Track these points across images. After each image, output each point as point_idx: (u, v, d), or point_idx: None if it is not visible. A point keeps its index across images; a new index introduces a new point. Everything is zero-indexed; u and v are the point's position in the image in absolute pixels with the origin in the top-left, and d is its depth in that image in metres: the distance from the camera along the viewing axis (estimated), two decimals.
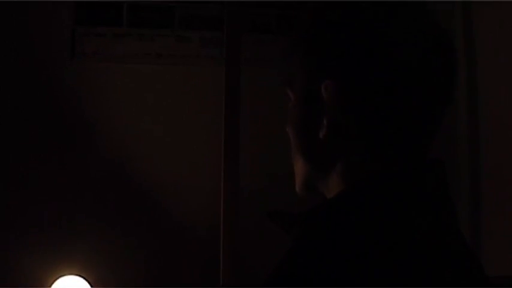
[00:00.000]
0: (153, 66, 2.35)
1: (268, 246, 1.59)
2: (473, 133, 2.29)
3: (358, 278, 0.70)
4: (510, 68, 2.09)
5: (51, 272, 2.06)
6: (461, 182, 2.29)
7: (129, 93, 2.33)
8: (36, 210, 2.20)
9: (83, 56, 2.30)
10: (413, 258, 0.73)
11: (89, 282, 2.04)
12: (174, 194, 2.33)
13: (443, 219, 0.80)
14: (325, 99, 0.80)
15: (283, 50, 0.89)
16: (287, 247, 0.77)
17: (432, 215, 0.78)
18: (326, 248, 0.73)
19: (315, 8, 0.86)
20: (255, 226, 1.83)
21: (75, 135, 2.28)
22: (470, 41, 2.26)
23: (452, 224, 0.81)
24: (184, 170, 2.34)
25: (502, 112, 2.14)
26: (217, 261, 2.02)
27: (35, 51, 2.26)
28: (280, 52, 2.35)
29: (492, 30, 2.20)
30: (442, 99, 0.82)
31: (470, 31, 2.28)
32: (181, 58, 2.37)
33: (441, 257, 0.76)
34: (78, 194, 2.25)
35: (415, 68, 0.79)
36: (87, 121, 2.28)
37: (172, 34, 2.37)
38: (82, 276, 2.04)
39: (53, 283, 2.01)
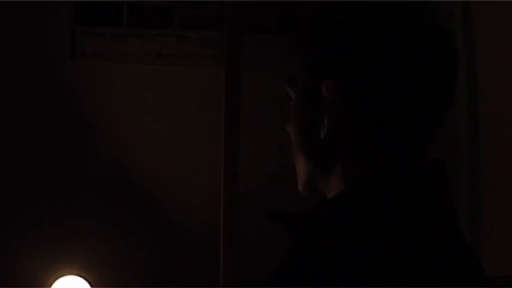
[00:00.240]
0: (153, 66, 2.35)
1: (268, 246, 1.59)
2: (473, 133, 2.29)
3: (358, 278, 0.70)
4: (510, 68, 2.09)
5: (51, 272, 2.06)
6: (461, 182, 2.29)
7: (129, 93, 2.33)
8: (36, 210, 2.20)
9: (83, 56, 2.30)
10: (413, 259, 0.73)
11: (89, 282, 2.04)
12: (174, 194, 2.33)
13: (444, 219, 0.80)
14: (326, 99, 0.79)
15: (284, 50, 0.90)
16: (287, 247, 0.77)
17: (432, 215, 0.78)
18: (326, 248, 0.73)
19: (315, 8, 0.86)
20: (255, 226, 1.83)
21: (75, 135, 2.28)
22: (470, 41, 2.26)
23: (452, 224, 0.81)
24: (184, 170, 2.34)
25: (502, 112, 2.14)
26: (217, 261, 2.02)
27: (35, 51, 2.26)
28: (280, 52, 2.36)
29: (492, 30, 2.20)
30: (443, 99, 0.82)
31: (470, 31, 2.28)
32: (181, 58, 2.37)
33: (441, 257, 0.76)
34: (78, 194, 2.25)
35: (416, 68, 0.78)
36: (87, 121, 2.28)
37: (172, 34, 2.37)
38: (82, 276, 2.04)
39: (53, 283, 2.01)
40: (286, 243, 0.80)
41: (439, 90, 0.81)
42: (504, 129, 2.13)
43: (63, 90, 2.27)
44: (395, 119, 0.79)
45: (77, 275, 2.04)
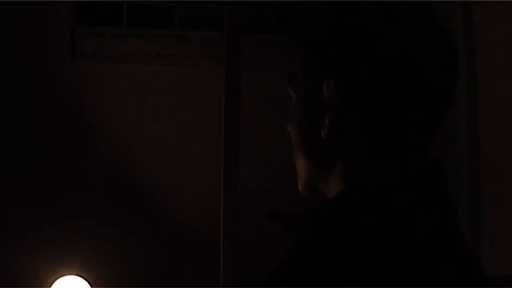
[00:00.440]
0: (153, 66, 2.35)
1: (268, 246, 1.59)
2: (473, 133, 2.29)
3: (358, 278, 0.70)
4: (510, 68, 2.09)
5: (51, 272, 2.06)
6: (461, 182, 2.29)
7: (129, 93, 2.33)
8: (36, 210, 2.20)
9: (83, 56, 2.30)
10: (413, 258, 0.73)
11: (89, 282, 2.04)
12: (174, 194, 2.33)
13: (444, 219, 0.80)
14: (327, 99, 0.79)
15: (284, 50, 0.90)
16: (287, 247, 0.77)
17: (432, 215, 0.78)
18: (326, 248, 0.73)
19: (315, 7, 0.86)
20: (255, 226, 1.83)
21: (75, 135, 2.28)
22: (470, 41, 2.26)
23: (452, 224, 0.81)
24: (184, 170, 2.34)
25: (502, 112, 2.14)
26: (217, 261, 2.02)
27: (35, 51, 2.26)
28: (280, 52, 2.36)
29: (492, 30, 2.20)
30: (443, 99, 0.82)
31: (470, 31, 2.28)
32: (181, 58, 2.37)
33: (441, 257, 0.76)
34: (78, 194, 2.25)
35: (416, 68, 0.78)
36: (87, 121, 2.28)
37: (172, 34, 2.37)
38: (82, 276, 2.04)
39: (53, 283, 2.01)
40: (286, 243, 0.80)
41: (439, 90, 0.81)
42: (504, 129, 2.13)
43: (63, 91, 2.27)
44: (395, 118, 0.79)
45: (77, 275, 2.04)
